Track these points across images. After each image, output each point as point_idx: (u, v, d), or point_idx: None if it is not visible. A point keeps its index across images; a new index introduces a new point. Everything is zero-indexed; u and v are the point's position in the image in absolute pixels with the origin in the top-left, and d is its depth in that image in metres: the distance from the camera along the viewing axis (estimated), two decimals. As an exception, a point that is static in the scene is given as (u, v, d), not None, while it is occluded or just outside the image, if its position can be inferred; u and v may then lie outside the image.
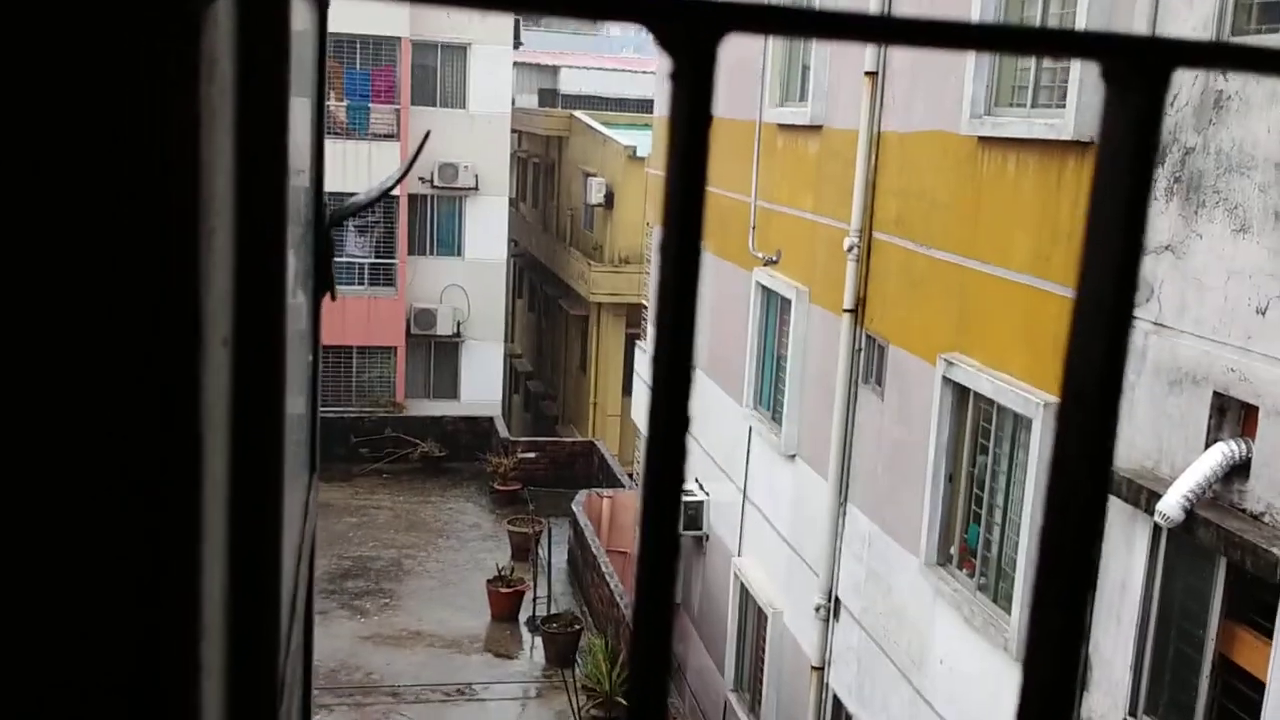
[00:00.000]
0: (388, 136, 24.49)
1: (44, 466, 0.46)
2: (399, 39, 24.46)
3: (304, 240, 1.22)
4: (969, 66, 8.31)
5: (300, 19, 1.01)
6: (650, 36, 0.45)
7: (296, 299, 1.19)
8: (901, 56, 9.56)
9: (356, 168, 23.84)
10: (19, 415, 0.45)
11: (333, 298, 1.38)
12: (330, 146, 25.95)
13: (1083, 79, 7.05)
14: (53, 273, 0.44)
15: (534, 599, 16.70)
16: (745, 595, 12.72)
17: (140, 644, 0.48)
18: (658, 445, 0.42)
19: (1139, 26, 6.55)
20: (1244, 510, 5.81)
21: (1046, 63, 7.80)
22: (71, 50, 0.42)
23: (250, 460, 0.67)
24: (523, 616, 16.94)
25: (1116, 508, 6.65)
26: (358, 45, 24.47)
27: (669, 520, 0.42)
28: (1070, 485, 0.46)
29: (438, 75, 25.44)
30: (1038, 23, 7.81)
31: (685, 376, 0.43)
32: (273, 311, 0.65)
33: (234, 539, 0.65)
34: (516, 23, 26.54)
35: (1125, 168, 0.44)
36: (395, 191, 24.33)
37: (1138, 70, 0.43)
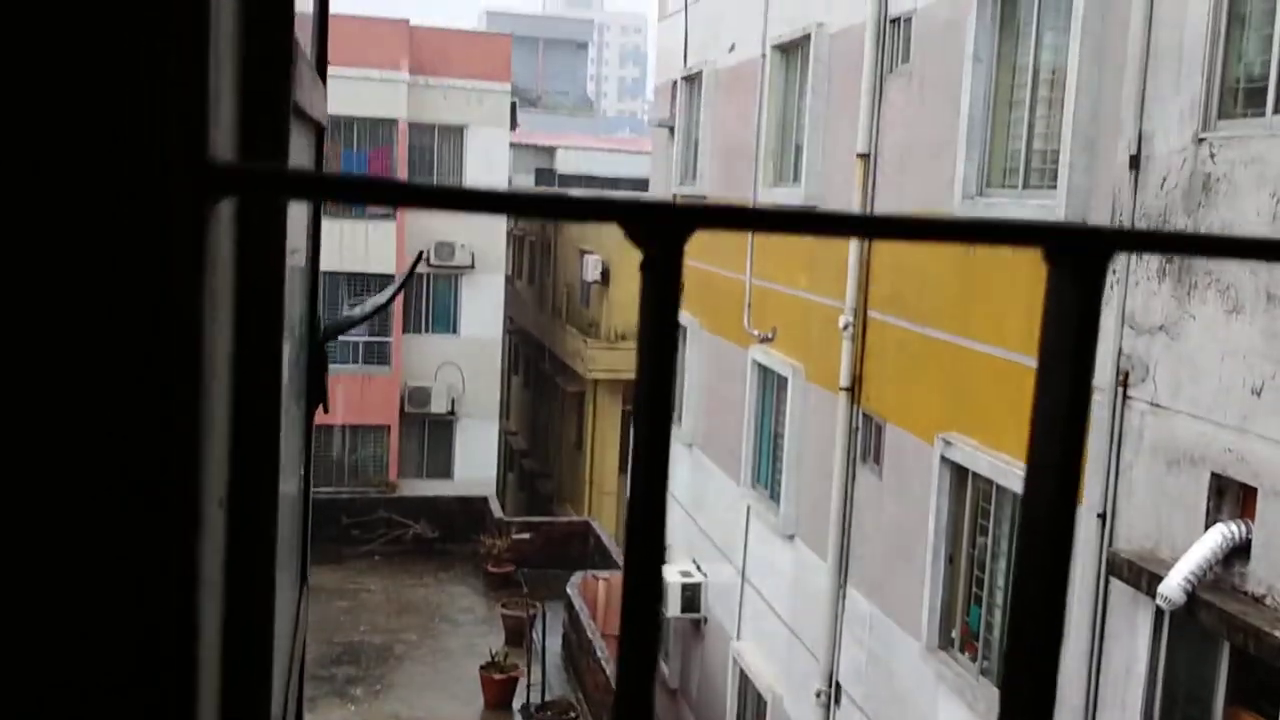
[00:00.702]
0: (384, 216, 24.71)
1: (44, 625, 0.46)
2: (396, 121, 24.83)
3: (299, 358, 1.22)
4: (960, 148, 8.43)
5: (297, 149, 1.03)
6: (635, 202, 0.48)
7: (289, 415, 1.18)
8: (893, 138, 9.71)
9: (353, 247, 24.02)
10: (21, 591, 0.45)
11: (325, 410, 1.38)
12: (327, 225, 26.15)
13: (1073, 161, 7.15)
14: (63, 449, 0.45)
15: (528, 685, 16.43)
16: (744, 680, 12.53)
17: None
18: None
19: (1126, 113, 6.67)
20: (1245, 593, 5.75)
21: (1037, 144, 7.92)
22: (88, 244, 0.44)
23: (241, 615, 0.66)
24: (516, 704, 16.65)
25: (1118, 590, 6.59)
26: (355, 126, 24.82)
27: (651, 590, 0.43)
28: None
29: (434, 156, 25.77)
30: (1026, 113, 7.94)
31: (656, 581, 0.43)
32: (266, 475, 0.65)
33: (225, 694, 0.63)
34: (513, 104, 26.97)
35: (1069, 350, 0.46)
36: (391, 270, 24.49)
37: (1078, 257, 0.46)
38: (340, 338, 25.07)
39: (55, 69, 0.42)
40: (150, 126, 0.43)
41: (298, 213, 1.16)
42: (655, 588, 0.45)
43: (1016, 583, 0.52)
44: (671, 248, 0.45)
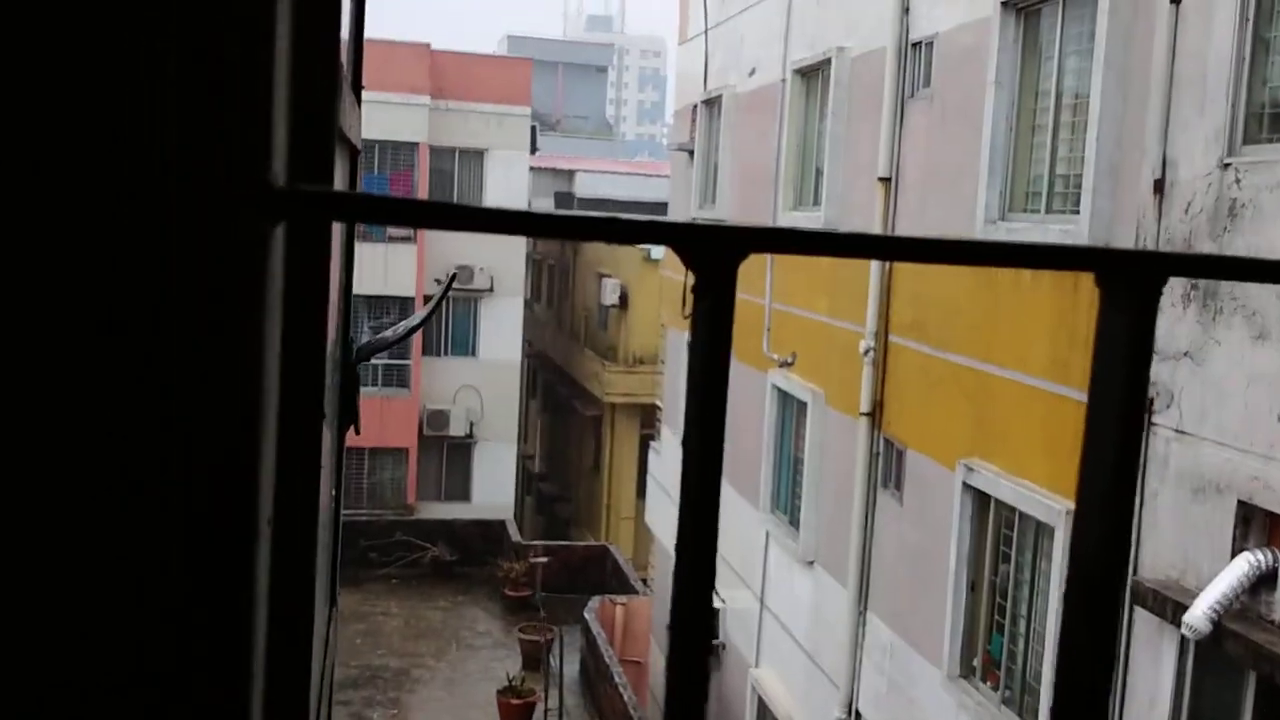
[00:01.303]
0: (404, 240, 24.85)
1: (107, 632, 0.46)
2: (417, 144, 24.99)
3: (333, 379, 1.22)
4: (982, 172, 8.42)
5: (337, 170, 1.03)
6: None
7: (325, 436, 1.18)
8: (915, 162, 9.71)
9: (373, 270, 24.13)
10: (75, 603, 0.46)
11: (357, 431, 1.38)
12: (349, 250, 26.14)
13: (1096, 186, 7.12)
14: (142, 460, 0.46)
15: (545, 711, 16.35)
16: (763, 707, 12.43)
17: None
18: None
19: (1150, 138, 6.64)
20: (1272, 622, 5.68)
21: (1060, 169, 7.90)
22: (156, 264, 0.44)
23: (285, 630, 0.66)
24: (534, 727, 16.56)
25: (1143, 619, 6.52)
26: (376, 149, 24.99)
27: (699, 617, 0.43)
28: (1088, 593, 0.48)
29: (455, 179, 25.91)
30: (1049, 138, 7.92)
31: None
32: (309, 495, 0.65)
33: (268, 710, 0.63)
34: (533, 128, 27.12)
35: (1122, 371, 0.45)
36: (411, 293, 24.60)
37: (1131, 282, 0.45)
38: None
39: (124, 91, 0.42)
40: (217, 150, 0.43)
41: (333, 236, 1.16)
42: (705, 611, 0.44)
43: (1065, 623, 0.51)
44: (725, 271, 0.44)
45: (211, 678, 0.47)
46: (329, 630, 1.27)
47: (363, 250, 24.25)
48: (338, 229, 1.20)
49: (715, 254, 0.43)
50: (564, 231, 0.41)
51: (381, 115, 24.22)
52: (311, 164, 0.63)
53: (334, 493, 1.30)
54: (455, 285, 25.55)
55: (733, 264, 0.43)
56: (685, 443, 0.45)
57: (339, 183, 1.14)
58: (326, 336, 0.67)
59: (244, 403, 0.46)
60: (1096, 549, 0.50)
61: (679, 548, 0.45)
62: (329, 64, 0.68)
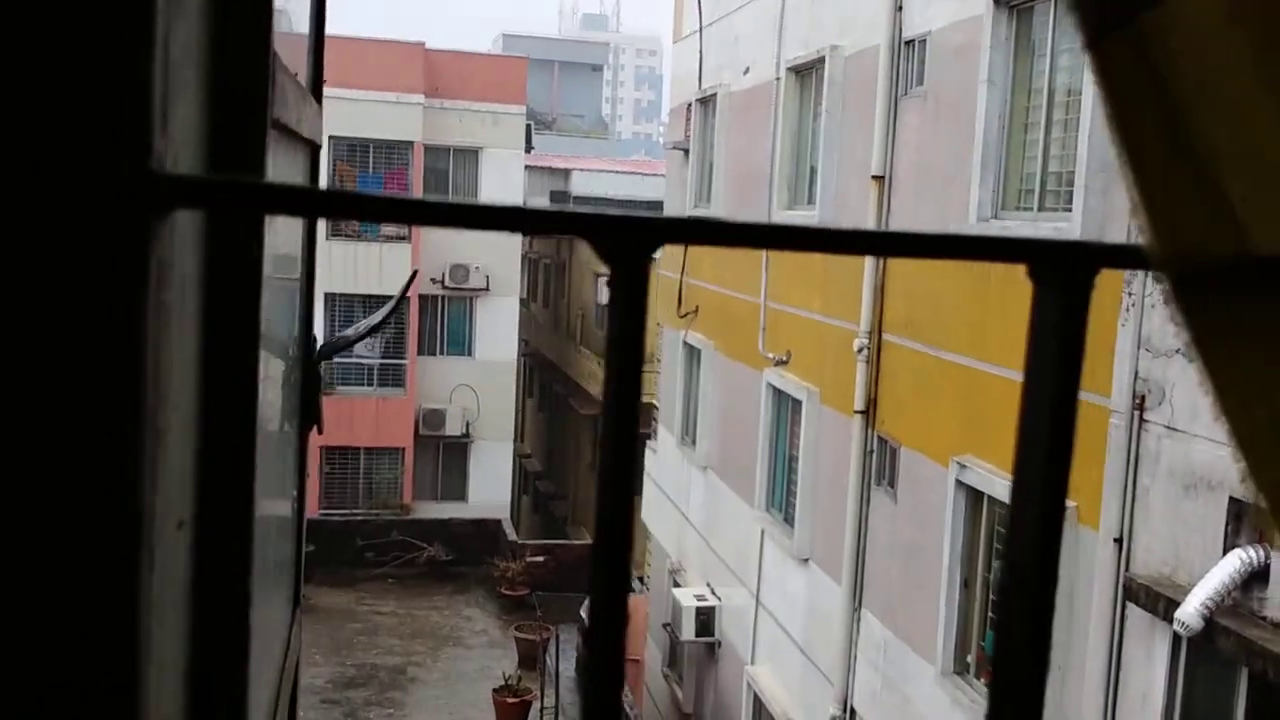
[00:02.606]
0: (399, 239, 24.83)
1: None
2: (411, 143, 24.97)
3: (292, 377, 1.21)
4: (975, 170, 8.42)
5: (290, 168, 1.02)
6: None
7: (283, 435, 1.18)
8: (908, 160, 9.71)
9: (368, 269, 24.12)
10: None
11: (319, 431, 1.37)
12: (342, 249, 26.13)
13: (1088, 184, 7.12)
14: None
15: (541, 709, 16.36)
16: (759, 705, 12.43)
17: None
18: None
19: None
20: (1264, 618, 5.68)
21: (1053, 166, 7.90)
22: (18, 258, 0.43)
23: (214, 624, 0.65)
24: (530, 726, 16.57)
25: (1135, 615, 6.52)
26: (370, 149, 24.97)
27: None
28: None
29: (449, 178, 25.89)
30: (1041, 135, 7.92)
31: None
32: (240, 496, 0.64)
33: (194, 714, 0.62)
34: (528, 127, 27.11)
35: (1054, 367, 0.45)
36: (407, 293, 24.54)
37: (1063, 273, 0.45)
38: (355, 360, 25.18)
39: None
40: (90, 135, 0.42)
41: (291, 234, 1.15)
42: (620, 611, 0.44)
43: (1000, 604, 0.51)
44: (638, 262, 0.44)
45: (93, 682, 0.46)
46: (290, 632, 1.27)
47: (358, 250, 24.35)
48: (295, 228, 1.19)
49: (627, 245, 0.42)
50: (465, 221, 0.40)
51: (375, 114, 24.20)
52: (239, 155, 0.62)
53: (295, 493, 1.30)
54: (451, 284, 25.54)
55: (644, 255, 0.43)
56: (601, 432, 0.45)
57: (291, 177, 1.13)
58: (258, 331, 0.66)
59: (122, 399, 0.44)
60: (1030, 541, 0.50)
61: (597, 531, 0.45)
62: (257, 54, 0.67)
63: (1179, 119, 0.44)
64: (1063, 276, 0.47)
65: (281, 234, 1.07)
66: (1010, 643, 0.49)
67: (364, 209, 0.39)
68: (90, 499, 0.45)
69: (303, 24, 1.39)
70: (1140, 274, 6.76)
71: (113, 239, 0.43)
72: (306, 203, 0.40)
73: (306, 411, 1.29)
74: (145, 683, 0.48)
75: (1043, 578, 0.50)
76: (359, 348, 25.12)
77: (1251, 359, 0.45)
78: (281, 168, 0.82)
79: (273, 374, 1.06)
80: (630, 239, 0.42)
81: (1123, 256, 0.49)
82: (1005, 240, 0.49)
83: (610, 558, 0.41)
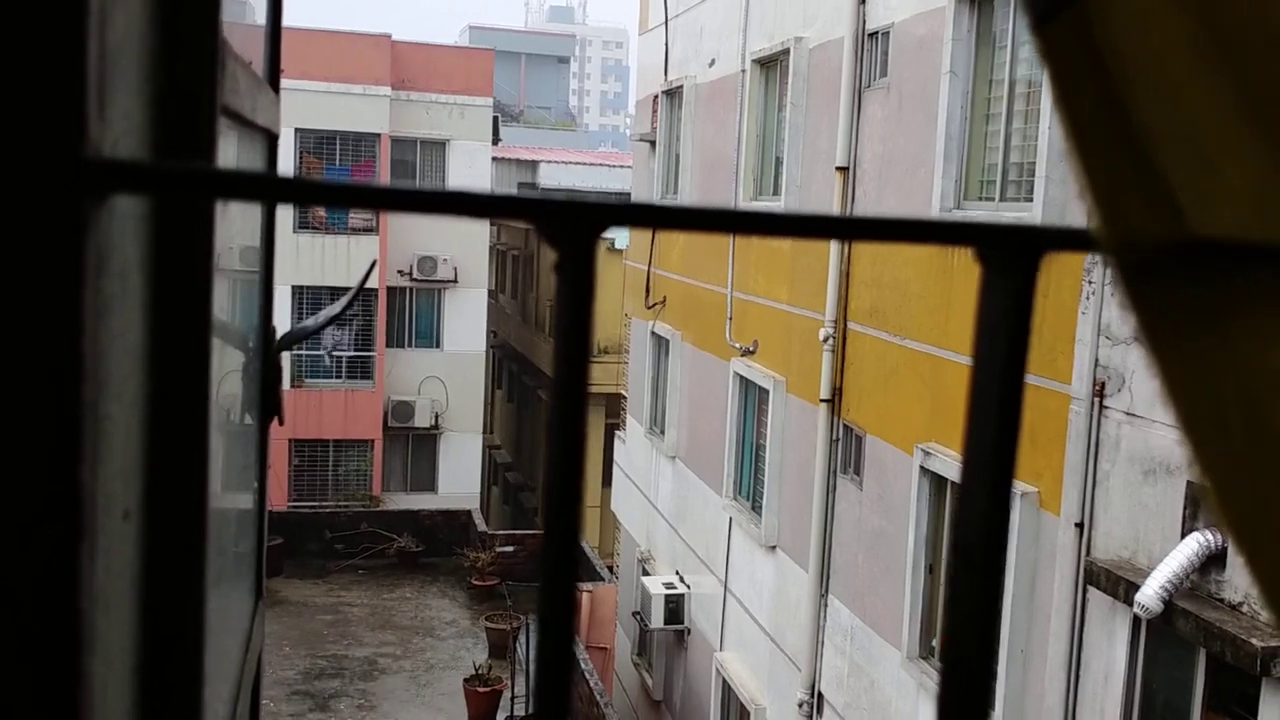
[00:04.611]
0: (366, 230, 24.67)
1: None
2: (378, 135, 24.81)
3: (251, 367, 1.22)
4: (938, 160, 8.48)
5: (247, 159, 1.03)
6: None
7: (242, 427, 1.18)
8: (872, 151, 9.76)
9: (335, 261, 23.97)
10: None
11: (279, 422, 1.37)
12: (309, 241, 25.88)
13: (1049, 174, 7.20)
14: None
15: (512, 698, 16.36)
16: (728, 691, 12.51)
17: None
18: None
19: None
20: (1222, 600, 5.78)
21: (1014, 157, 7.98)
22: None
23: (165, 616, 0.66)
24: (500, 716, 16.57)
25: (1096, 599, 6.62)
26: (337, 140, 24.78)
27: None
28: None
29: (417, 170, 25.74)
30: (1003, 126, 7.99)
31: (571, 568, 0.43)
32: (191, 486, 0.65)
33: (143, 708, 0.63)
34: (495, 119, 26.99)
35: (1002, 349, 0.46)
36: (374, 285, 24.45)
37: (1010, 257, 0.45)
38: (323, 353, 25.01)
39: None
40: (20, 120, 0.42)
41: (249, 224, 1.16)
42: (569, 596, 0.45)
43: (951, 579, 0.52)
44: (584, 245, 0.45)
45: (33, 673, 0.46)
46: (252, 625, 1.27)
47: (324, 242, 24.18)
48: (254, 218, 1.19)
49: (572, 229, 0.43)
50: (410, 205, 0.41)
51: (342, 106, 24.02)
52: (186, 143, 0.63)
53: (257, 484, 1.30)
54: (419, 276, 25.41)
55: (590, 238, 0.44)
56: (551, 414, 0.46)
57: (246, 166, 1.13)
58: (209, 319, 0.66)
59: (58, 386, 0.44)
60: (978, 522, 0.51)
61: (546, 521, 0.46)
62: (205, 39, 0.67)
63: (1119, 101, 0.44)
64: (1011, 260, 0.48)
65: (238, 223, 1.07)
66: (959, 618, 0.50)
67: (308, 193, 0.40)
68: (26, 485, 0.45)
69: (259, 13, 1.39)
70: (1100, 262, 6.84)
71: (46, 225, 0.43)
72: (244, 187, 0.41)
73: (267, 402, 1.29)
74: (87, 673, 0.48)
75: (990, 554, 0.51)
76: (327, 342, 24.95)
77: (1194, 344, 0.46)
78: (235, 157, 0.82)
79: (230, 365, 1.07)
80: (575, 222, 0.43)
81: (1070, 240, 0.50)
82: (954, 225, 0.50)
83: (561, 539, 0.42)
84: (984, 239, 0.50)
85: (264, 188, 0.40)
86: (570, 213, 0.44)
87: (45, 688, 0.47)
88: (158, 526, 0.59)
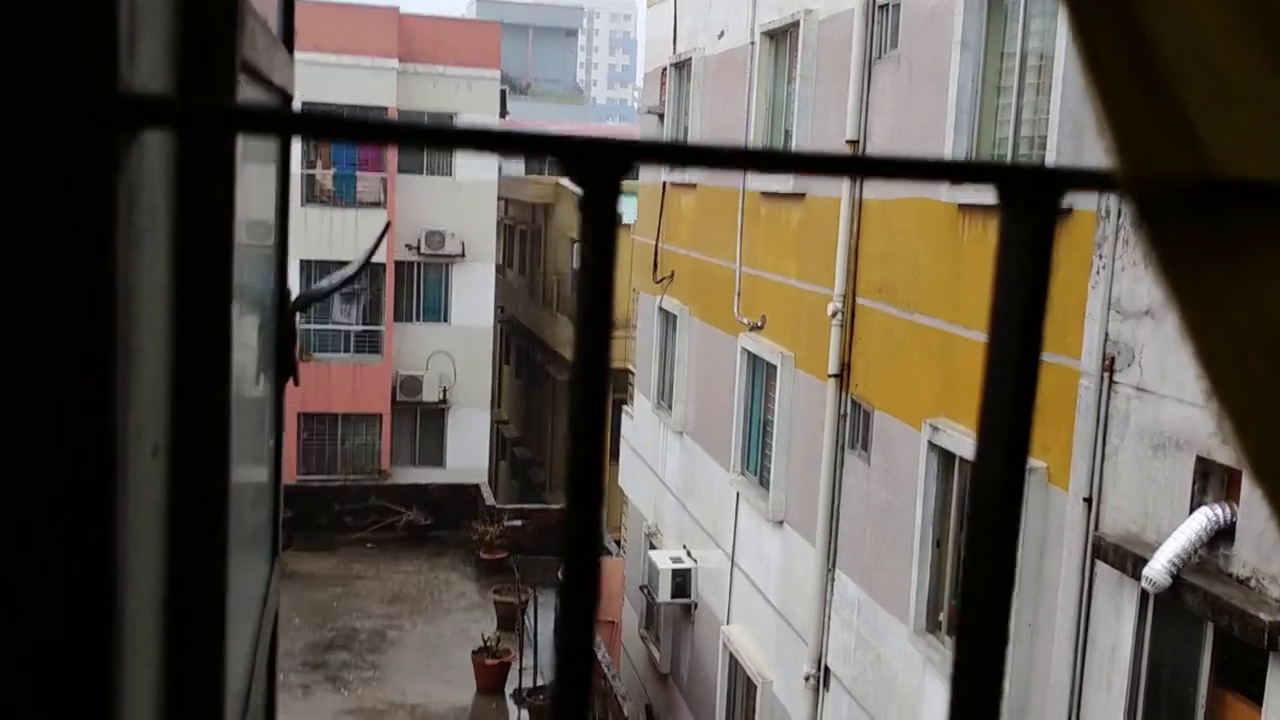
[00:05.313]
0: (374, 204, 24.65)
1: None
2: (386, 109, 24.74)
3: (267, 327, 1.22)
4: (948, 133, 8.43)
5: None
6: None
7: (259, 386, 1.18)
8: (882, 124, 9.71)
9: (343, 235, 23.96)
10: None
11: (295, 383, 1.38)
12: (318, 215, 25.87)
13: (1060, 146, 7.16)
14: None
15: (520, 670, 16.47)
16: (734, 664, 12.57)
17: None
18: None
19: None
20: (1230, 575, 5.79)
21: (1025, 130, 7.93)
22: None
23: (191, 562, 0.67)
24: (509, 688, 16.69)
25: (1104, 573, 6.63)
26: (344, 114, 24.69)
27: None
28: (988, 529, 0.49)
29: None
30: (1014, 99, 7.94)
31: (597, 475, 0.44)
32: (215, 417, 0.65)
33: (171, 652, 0.64)
34: (503, 92, 26.90)
35: (1022, 290, 0.46)
36: (382, 259, 24.46)
37: (1030, 197, 0.45)
38: (332, 327, 25.04)
39: None
40: (57, 57, 0.43)
41: (266, 186, 1.16)
42: (595, 525, 0.45)
43: (971, 519, 0.51)
44: (610, 184, 0.45)
45: (71, 602, 0.46)
46: (269, 583, 1.28)
47: (333, 216, 24.16)
48: (269, 182, 1.19)
49: (598, 167, 0.43)
50: (433, 141, 0.41)
51: (349, 79, 23.95)
52: (205, 91, 0.63)
53: (273, 443, 1.31)
54: (427, 251, 25.40)
55: (616, 175, 0.44)
56: (572, 364, 0.46)
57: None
58: (229, 258, 0.67)
59: (94, 317, 0.45)
60: (996, 477, 0.51)
61: (569, 491, 0.46)
62: None
63: (1136, 25, 0.44)
64: (1031, 200, 0.48)
65: (254, 185, 1.07)
66: (975, 574, 0.50)
67: (331, 129, 0.40)
68: (63, 416, 0.46)
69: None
70: (1110, 237, 6.81)
71: (82, 158, 0.43)
72: (269, 122, 0.41)
73: (282, 363, 1.30)
74: (122, 604, 0.49)
75: (1008, 501, 0.51)
76: (337, 314, 24.98)
77: (1211, 278, 0.46)
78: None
79: (247, 323, 1.07)
80: (601, 160, 0.43)
81: (1090, 180, 0.50)
82: (974, 164, 0.50)
83: (586, 469, 0.42)
84: (1004, 178, 0.50)
85: (284, 122, 0.40)
86: (596, 150, 0.44)
87: (80, 618, 0.47)
88: (183, 463, 0.60)
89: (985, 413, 0.53)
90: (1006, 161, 7.46)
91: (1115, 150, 0.46)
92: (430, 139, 0.41)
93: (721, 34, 13.46)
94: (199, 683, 0.67)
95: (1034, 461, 7.33)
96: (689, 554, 14.09)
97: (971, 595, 0.49)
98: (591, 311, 0.44)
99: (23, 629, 0.47)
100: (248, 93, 0.87)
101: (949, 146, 8.44)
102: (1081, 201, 6.91)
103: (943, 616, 8.68)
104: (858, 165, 0.49)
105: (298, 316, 1.45)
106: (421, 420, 26.07)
